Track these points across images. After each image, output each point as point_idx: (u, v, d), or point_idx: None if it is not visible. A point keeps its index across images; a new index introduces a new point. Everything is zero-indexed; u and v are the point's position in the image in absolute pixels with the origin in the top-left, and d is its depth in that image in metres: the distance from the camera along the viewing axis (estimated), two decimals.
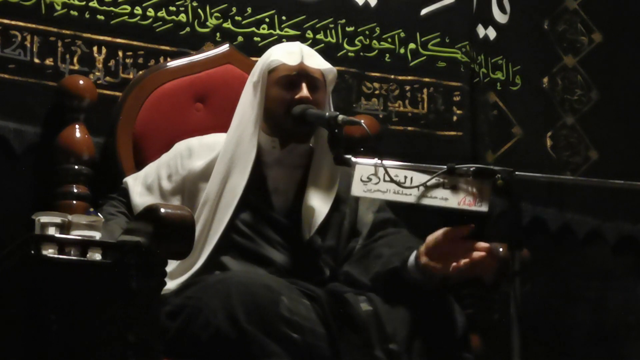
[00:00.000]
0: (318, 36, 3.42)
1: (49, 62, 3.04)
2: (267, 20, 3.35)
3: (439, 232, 2.66)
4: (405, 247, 2.74)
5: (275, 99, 2.83)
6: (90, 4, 3.11)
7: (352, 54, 3.48)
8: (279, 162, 2.88)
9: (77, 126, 2.96)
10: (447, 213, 2.60)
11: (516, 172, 2.46)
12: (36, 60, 3.02)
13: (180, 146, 2.92)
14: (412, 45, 3.56)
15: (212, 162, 2.84)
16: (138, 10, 3.18)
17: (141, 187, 2.87)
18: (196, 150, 2.88)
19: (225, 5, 3.31)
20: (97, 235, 2.43)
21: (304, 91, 2.81)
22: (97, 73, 3.11)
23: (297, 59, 2.84)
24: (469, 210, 2.56)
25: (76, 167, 2.92)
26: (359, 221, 2.90)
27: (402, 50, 3.56)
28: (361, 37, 3.49)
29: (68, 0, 3.08)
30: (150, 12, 3.19)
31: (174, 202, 2.80)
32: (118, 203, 2.87)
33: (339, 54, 3.45)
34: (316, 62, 2.87)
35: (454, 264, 2.60)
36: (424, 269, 2.65)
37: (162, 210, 2.35)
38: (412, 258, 2.68)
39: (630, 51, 3.96)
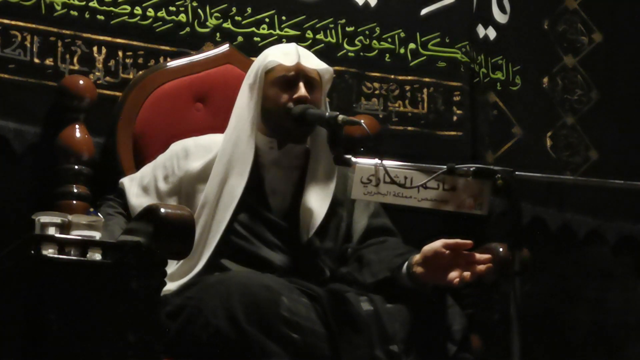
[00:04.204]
0: (318, 36, 3.42)
1: (49, 62, 3.04)
2: (267, 20, 3.35)
3: (437, 244, 2.64)
4: (394, 254, 2.74)
5: (273, 99, 2.83)
6: (90, 4, 3.11)
7: (352, 54, 3.48)
8: (277, 163, 2.88)
9: (77, 126, 2.96)
10: (447, 215, 2.60)
11: (516, 172, 2.46)
12: (36, 60, 3.02)
13: (176, 147, 2.91)
14: (412, 45, 3.56)
15: (209, 163, 2.84)
16: (138, 10, 3.18)
17: (137, 188, 2.87)
18: (192, 151, 2.88)
19: (225, 5, 3.30)
20: (97, 235, 2.43)
21: (302, 90, 2.81)
22: (97, 73, 3.11)
23: (293, 59, 2.85)
24: (468, 214, 2.56)
25: (76, 167, 2.92)
26: (353, 225, 2.90)
27: (402, 50, 3.55)
28: (361, 37, 3.49)
29: (68, 0, 3.07)
30: (150, 12, 3.19)
31: (171, 203, 2.80)
32: (115, 204, 2.87)
33: (339, 54, 3.45)
34: (312, 62, 2.88)
35: (455, 276, 2.59)
36: (417, 279, 2.65)
37: (162, 210, 2.35)
38: (404, 267, 2.68)
39: (630, 51, 3.96)
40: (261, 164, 2.87)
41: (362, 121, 2.74)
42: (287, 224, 2.82)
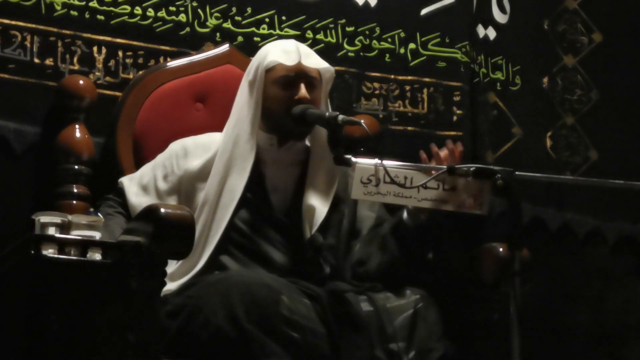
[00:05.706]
0: (318, 36, 3.42)
1: (49, 62, 3.04)
2: (267, 20, 3.35)
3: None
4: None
5: (274, 99, 2.83)
6: (90, 4, 3.11)
7: (352, 54, 3.48)
8: (277, 160, 2.88)
9: (77, 126, 2.96)
10: (447, 214, 2.61)
11: (516, 172, 2.46)
12: (36, 60, 3.02)
13: (175, 146, 2.91)
14: (412, 45, 3.56)
15: (208, 161, 2.84)
16: (138, 10, 3.18)
17: (137, 187, 2.87)
18: (192, 150, 2.88)
19: (225, 5, 3.31)
20: (97, 235, 2.44)
21: (303, 91, 2.81)
22: (97, 73, 3.11)
23: (294, 58, 2.84)
24: (468, 214, 2.56)
25: (76, 167, 2.92)
26: (358, 220, 2.90)
27: (402, 50, 3.55)
28: (361, 37, 3.49)
29: (68, 0, 3.08)
30: (150, 12, 3.19)
31: (170, 202, 2.80)
32: (114, 203, 2.87)
33: (339, 54, 3.45)
34: (313, 61, 2.87)
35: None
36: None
37: (162, 210, 2.35)
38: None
39: (630, 51, 3.95)
40: (261, 161, 2.87)
41: (362, 121, 2.74)
42: (289, 221, 2.82)
